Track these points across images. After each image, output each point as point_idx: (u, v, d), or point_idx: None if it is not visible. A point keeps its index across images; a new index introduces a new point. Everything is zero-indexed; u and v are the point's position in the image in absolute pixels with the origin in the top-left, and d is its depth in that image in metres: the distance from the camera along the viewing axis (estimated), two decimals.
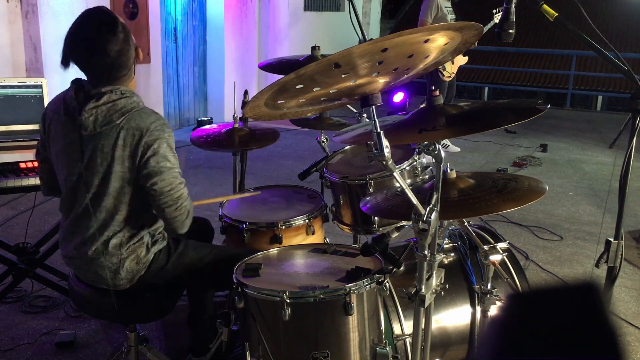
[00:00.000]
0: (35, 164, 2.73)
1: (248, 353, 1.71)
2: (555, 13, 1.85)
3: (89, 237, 1.91)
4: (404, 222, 2.08)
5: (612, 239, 2.03)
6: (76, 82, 1.89)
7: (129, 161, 1.84)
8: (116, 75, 1.86)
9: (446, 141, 6.20)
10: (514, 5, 1.88)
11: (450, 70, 5.87)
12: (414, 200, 1.49)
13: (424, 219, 1.48)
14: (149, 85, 6.54)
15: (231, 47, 7.85)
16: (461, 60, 5.92)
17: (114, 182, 1.86)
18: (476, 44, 1.48)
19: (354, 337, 1.67)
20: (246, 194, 2.65)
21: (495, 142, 6.81)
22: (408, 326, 1.90)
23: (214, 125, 2.77)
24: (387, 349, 1.73)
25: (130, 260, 1.92)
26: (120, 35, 1.83)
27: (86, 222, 1.92)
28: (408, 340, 1.89)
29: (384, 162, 1.45)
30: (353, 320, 1.66)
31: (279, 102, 1.47)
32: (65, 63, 1.85)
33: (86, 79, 1.89)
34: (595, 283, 0.54)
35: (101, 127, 1.83)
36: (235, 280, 1.74)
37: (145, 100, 1.96)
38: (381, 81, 1.44)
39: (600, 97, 12.00)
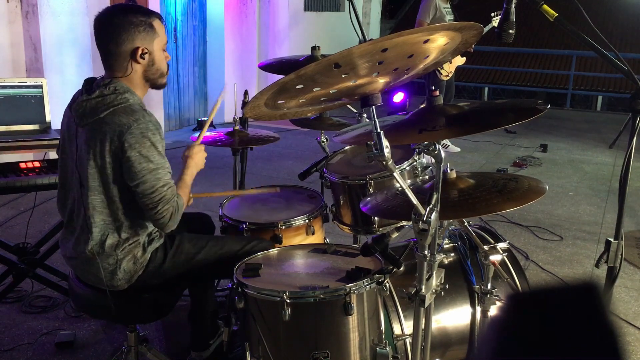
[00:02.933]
0: (36, 164, 2.74)
1: (248, 353, 1.71)
2: (555, 13, 1.85)
3: (83, 236, 1.91)
4: (404, 222, 2.07)
5: (612, 239, 2.03)
6: (88, 78, 1.93)
7: (110, 158, 1.82)
8: (111, 62, 1.88)
9: (446, 141, 6.19)
10: (513, 5, 1.88)
11: (448, 69, 5.86)
12: (414, 200, 1.49)
13: (424, 219, 1.48)
14: None
15: (231, 47, 7.85)
16: (459, 60, 5.91)
17: (99, 177, 1.85)
18: (472, 48, 1.48)
19: (354, 337, 1.67)
20: (264, 190, 2.62)
21: (495, 142, 6.80)
22: (408, 326, 1.90)
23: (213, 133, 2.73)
24: (387, 349, 1.73)
25: (127, 261, 1.92)
26: (119, 24, 1.84)
27: (80, 219, 1.92)
28: (408, 340, 1.89)
29: (384, 162, 1.45)
30: (353, 321, 1.66)
31: (279, 102, 1.47)
32: None
33: None
34: (595, 283, 0.54)
35: (88, 120, 1.84)
36: (235, 280, 1.74)
37: (145, 100, 1.95)
38: (381, 81, 1.44)
39: (600, 97, 12.00)
